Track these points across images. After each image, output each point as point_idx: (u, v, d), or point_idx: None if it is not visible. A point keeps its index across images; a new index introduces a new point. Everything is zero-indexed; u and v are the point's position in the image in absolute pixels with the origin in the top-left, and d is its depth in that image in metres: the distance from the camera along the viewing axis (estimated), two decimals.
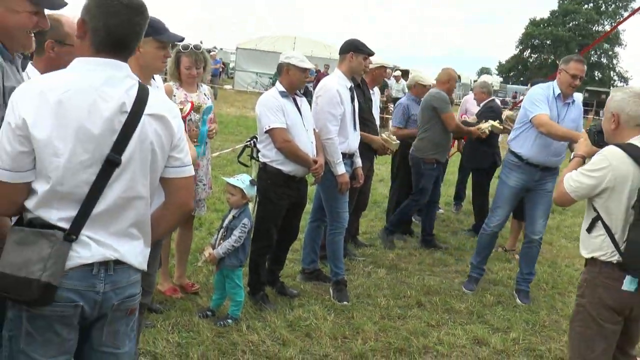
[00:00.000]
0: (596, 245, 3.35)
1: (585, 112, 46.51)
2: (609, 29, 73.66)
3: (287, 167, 5.03)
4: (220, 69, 35.07)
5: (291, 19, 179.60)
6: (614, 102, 3.38)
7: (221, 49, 66.77)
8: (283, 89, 5.03)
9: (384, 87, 17.82)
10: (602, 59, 77.37)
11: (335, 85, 5.38)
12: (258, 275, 5.23)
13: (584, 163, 3.63)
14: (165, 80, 4.99)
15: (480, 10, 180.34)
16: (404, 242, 7.59)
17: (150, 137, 2.32)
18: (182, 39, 3.73)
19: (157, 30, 3.33)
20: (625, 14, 74.52)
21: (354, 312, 5.25)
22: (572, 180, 3.43)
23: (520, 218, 7.07)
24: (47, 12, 2.68)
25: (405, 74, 42.62)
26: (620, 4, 77.70)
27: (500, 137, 8.75)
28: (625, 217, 3.23)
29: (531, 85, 8.43)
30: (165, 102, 2.48)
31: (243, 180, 4.83)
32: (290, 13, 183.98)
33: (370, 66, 6.25)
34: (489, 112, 8.15)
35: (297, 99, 5.12)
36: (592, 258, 3.38)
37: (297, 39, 35.22)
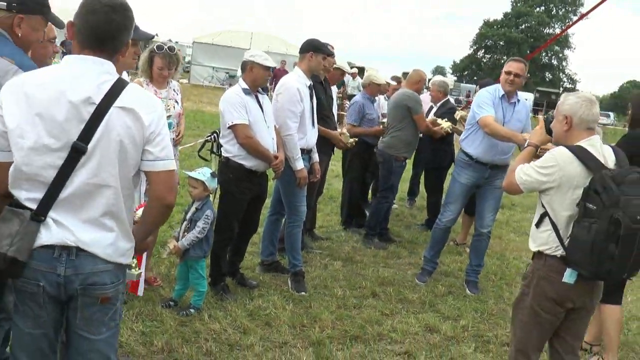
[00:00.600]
0: (543, 240, 3.53)
1: (536, 111, 47.82)
2: (559, 32, 75.53)
3: (249, 162, 5.19)
4: None
5: (248, 14, 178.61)
6: (567, 105, 3.52)
7: (177, 42, 65.98)
8: (246, 86, 5.20)
9: (340, 84, 18.02)
10: (552, 61, 79.20)
11: (296, 84, 5.57)
12: (219, 267, 5.39)
13: (536, 151, 3.87)
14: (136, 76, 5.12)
15: (436, 10, 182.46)
16: (359, 235, 7.81)
17: (117, 128, 2.44)
18: (152, 37, 3.86)
19: None
20: (575, 18, 76.38)
21: (311, 302, 5.45)
22: (522, 172, 3.59)
23: (470, 213, 7.37)
24: None
25: (361, 71, 43.04)
26: (570, 9, 79.86)
27: (455, 137, 9.05)
28: (569, 214, 3.40)
29: (480, 87, 8.74)
30: (141, 97, 2.57)
31: (204, 174, 4.97)
32: (248, 9, 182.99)
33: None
34: (448, 112, 8.44)
35: (260, 96, 5.28)
36: (539, 251, 3.56)
37: (254, 35, 35.22)
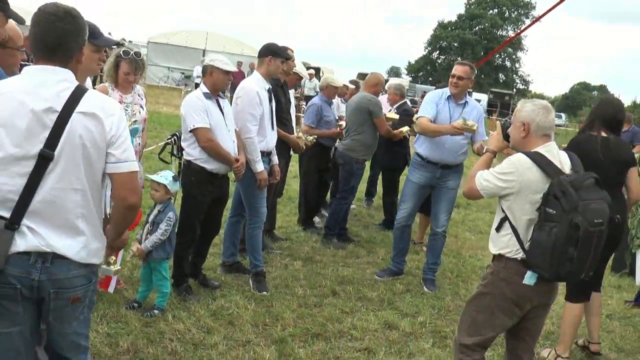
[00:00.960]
0: (503, 243, 3.59)
1: (490, 112, 48.62)
2: (512, 34, 76.94)
3: (210, 165, 5.27)
4: None
5: (202, 14, 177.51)
6: (525, 113, 3.61)
7: (130, 41, 64.78)
8: (207, 91, 5.27)
9: (297, 86, 18.13)
10: (506, 63, 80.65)
11: (255, 87, 5.67)
12: (182, 268, 5.45)
13: (494, 156, 3.97)
14: (100, 81, 5.15)
15: (391, 11, 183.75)
16: (318, 235, 7.94)
17: (79, 132, 2.54)
18: (116, 43, 3.93)
19: (93, 34, 3.53)
20: (527, 21, 78.06)
21: (273, 301, 5.56)
22: (483, 179, 3.65)
23: (427, 213, 7.56)
24: None
25: (316, 71, 43.07)
26: (522, 11, 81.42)
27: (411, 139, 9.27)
28: (529, 218, 3.48)
29: (437, 88, 8.96)
30: (101, 102, 2.67)
31: (166, 177, 5.04)
32: (202, 8, 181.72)
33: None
34: (405, 115, 8.63)
35: (220, 100, 5.37)
36: (499, 254, 3.62)
37: (210, 35, 35.04)
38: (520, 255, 3.52)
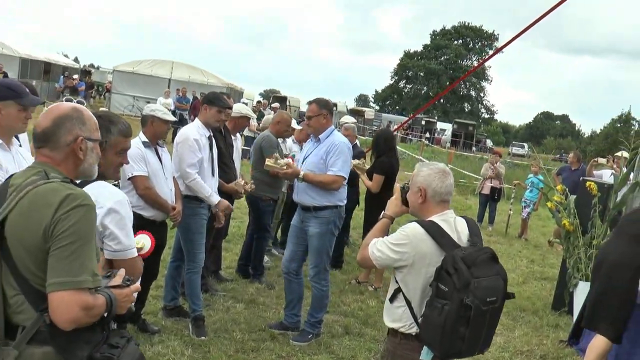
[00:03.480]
0: (397, 316, 3.43)
1: (455, 143, 49.28)
2: (476, 64, 78.54)
3: (148, 212, 5.36)
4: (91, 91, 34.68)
5: (167, 43, 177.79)
6: (421, 177, 3.46)
7: (98, 67, 64.56)
8: (146, 139, 5.38)
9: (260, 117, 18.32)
10: (471, 92, 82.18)
11: (194, 134, 5.79)
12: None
13: (392, 223, 3.74)
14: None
15: (360, 38, 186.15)
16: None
17: None
18: (42, 103, 4.02)
19: (19, 94, 3.64)
20: (490, 51, 79.83)
21: (210, 346, 5.62)
22: (376, 249, 3.46)
23: None
24: None
25: (283, 100, 43.22)
26: (486, 42, 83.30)
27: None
28: (423, 292, 3.33)
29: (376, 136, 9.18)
30: None
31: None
32: (166, 38, 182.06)
33: (233, 114, 6.71)
34: (359, 155, 8.78)
35: (159, 148, 5.48)
36: (394, 329, 3.46)
37: (175, 64, 35.20)
38: (414, 329, 3.36)
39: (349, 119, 10.79)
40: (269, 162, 6.20)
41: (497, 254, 3.44)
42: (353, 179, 8.53)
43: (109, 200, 2.88)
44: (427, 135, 51.88)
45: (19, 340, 2.26)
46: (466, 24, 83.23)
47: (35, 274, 2.27)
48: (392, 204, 3.75)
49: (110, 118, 3.13)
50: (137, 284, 2.61)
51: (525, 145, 62.18)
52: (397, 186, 3.77)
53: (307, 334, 6.08)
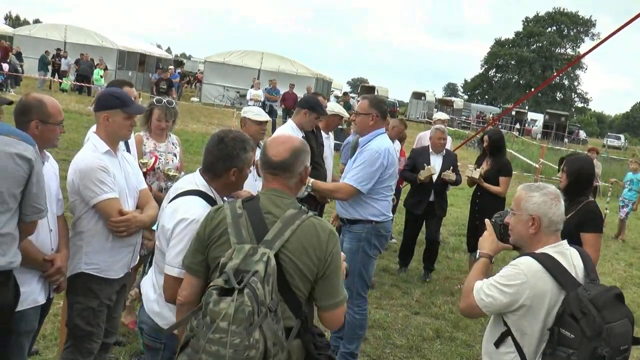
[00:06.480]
0: None
1: (546, 134, 47.73)
2: (570, 52, 75.72)
3: None
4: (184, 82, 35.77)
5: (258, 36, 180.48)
6: (534, 205, 3.01)
7: (190, 56, 66.33)
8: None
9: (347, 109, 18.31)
10: (564, 81, 79.38)
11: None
12: None
13: (491, 261, 3.32)
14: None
15: (447, 27, 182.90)
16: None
17: None
18: (145, 111, 4.14)
19: (125, 102, 3.75)
20: (586, 38, 76.72)
21: None
22: (483, 293, 2.99)
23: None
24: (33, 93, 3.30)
25: (371, 90, 43.05)
26: (582, 29, 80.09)
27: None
28: (540, 338, 2.90)
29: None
30: None
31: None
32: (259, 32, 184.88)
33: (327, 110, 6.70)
34: (453, 164, 8.31)
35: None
36: None
37: (265, 55, 35.68)
38: None
39: (441, 116, 10.47)
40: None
41: None
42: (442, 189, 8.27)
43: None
44: (518, 126, 50.51)
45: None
46: (561, 9, 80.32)
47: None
48: (488, 241, 3.33)
49: (241, 137, 3.18)
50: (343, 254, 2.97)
51: (622, 136, 59.47)
52: (488, 221, 3.38)
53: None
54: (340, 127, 17.97)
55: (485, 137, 8.02)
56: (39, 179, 3.12)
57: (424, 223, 8.42)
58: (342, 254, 2.79)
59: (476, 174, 7.86)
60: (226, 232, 2.61)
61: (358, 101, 7.53)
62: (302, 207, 2.69)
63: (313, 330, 2.71)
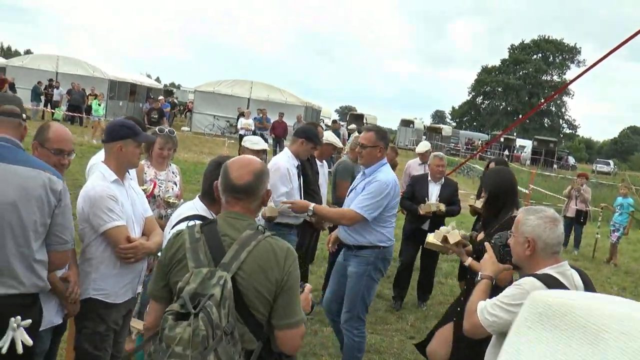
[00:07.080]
0: None
1: (535, 160, 48.03)
2: (556, 79, 76.65)
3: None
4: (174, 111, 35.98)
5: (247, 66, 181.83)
6: (529, 227, 3.10)
7: (179, 85, 66.65)
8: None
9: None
10: (551, 107, 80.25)
11: (286, 164, 6.00)
12: None
13: (492, 283, 3.39)
14: None
15: (434, 55, 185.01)
16: None
17: None
18: (154, 140, 4.29)
19: (135, 132, 3.90)
20: (572, 65, 77.69)
21: None
22: (487, 313, 3.05)
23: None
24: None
25: (359, 118, 43.35)
26: (567, 56, 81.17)
27: None
28: None
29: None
30: None
31: None
32: (246, 59, 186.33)
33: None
34: (452, 195, 8.25)
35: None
36: None
37: (254, 84, 36.00)
38: None
39: (421, 149, 9.86)
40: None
41: None
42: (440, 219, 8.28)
43: None
44: (507, 152, 50.92)
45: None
46: (546, 37, 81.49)
47: None
48: (488, 263, 3.43)
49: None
50: (310, 285, 3.06)
51: (611, 162, 59.92)
52: (488, 244, 3.46)
53: None
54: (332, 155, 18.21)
55: (492, 164, 7.91)
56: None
57: (420, 249, 8.29)
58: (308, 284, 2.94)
59: (479, 204, 7.87)
60: (185, 257, 2.59)
61: (349, 129, 7.78)
62: (259, 227, 2.67)
63: (279, 352, 2.66)
